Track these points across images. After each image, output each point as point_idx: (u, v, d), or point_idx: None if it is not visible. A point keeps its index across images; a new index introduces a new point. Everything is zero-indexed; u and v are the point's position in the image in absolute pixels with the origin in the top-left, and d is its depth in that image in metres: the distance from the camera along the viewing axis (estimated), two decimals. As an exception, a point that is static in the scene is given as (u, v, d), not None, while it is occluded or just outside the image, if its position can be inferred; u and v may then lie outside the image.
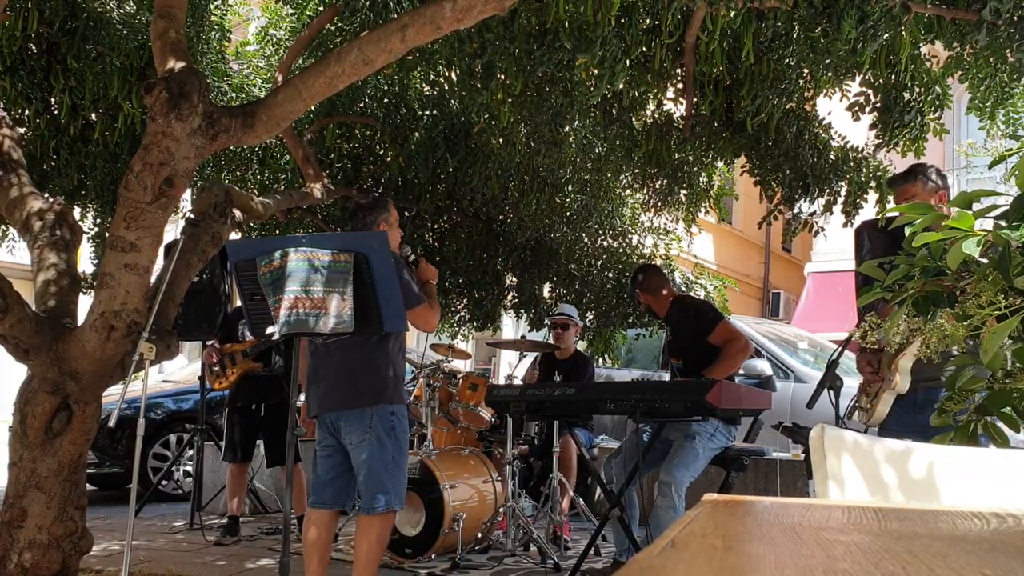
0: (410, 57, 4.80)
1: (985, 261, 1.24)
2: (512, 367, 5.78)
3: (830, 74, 4.54)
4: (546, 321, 6.73)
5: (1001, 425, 1.41)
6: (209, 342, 5.48)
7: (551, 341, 5.92)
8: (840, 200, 5.29)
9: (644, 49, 4.60)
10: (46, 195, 4.62)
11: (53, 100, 5.26)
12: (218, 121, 3.38)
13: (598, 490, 5.55)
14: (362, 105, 5.85)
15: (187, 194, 5.05)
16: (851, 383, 3.56)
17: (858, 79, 4.68)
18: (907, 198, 3.19)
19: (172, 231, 4.33)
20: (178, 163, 3.31)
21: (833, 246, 13.28)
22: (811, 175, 5.16)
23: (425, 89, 5.97)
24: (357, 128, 6.34)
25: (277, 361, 5.50)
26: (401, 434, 3.43)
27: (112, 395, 4.38)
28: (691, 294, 6.66)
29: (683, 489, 3.83)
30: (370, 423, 3.35)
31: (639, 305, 4.67)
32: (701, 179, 6.29)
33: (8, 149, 3.90)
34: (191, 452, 6.72)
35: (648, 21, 4.46)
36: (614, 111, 5.32)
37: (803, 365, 7.35)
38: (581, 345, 6.97)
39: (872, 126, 4.84)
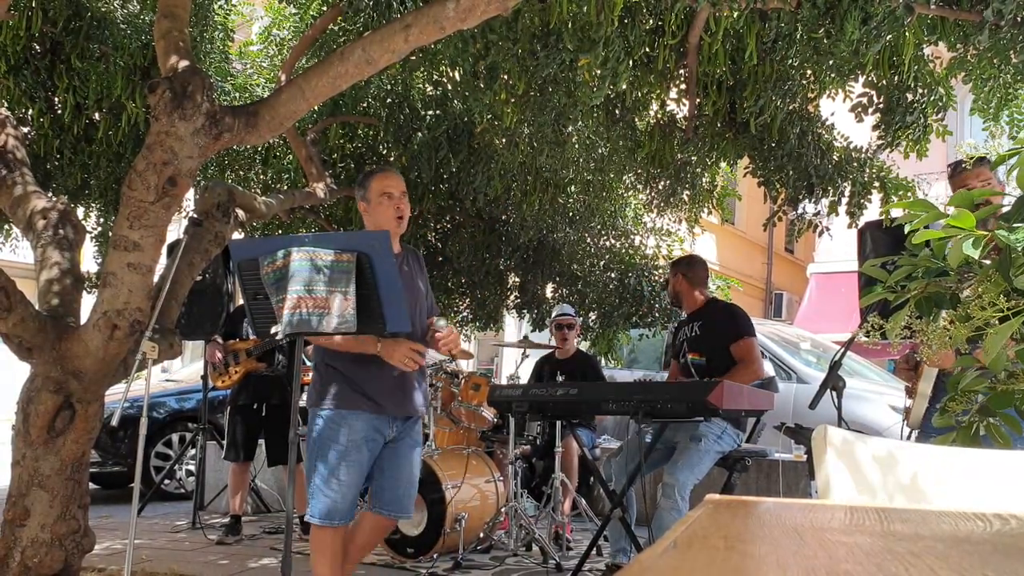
0: (413, 57, 4.81)
1: (987, 262, 1.24)
2: (517, 365, 5.77)
3: (833, 75, 4.54)
4: (547, 322, 6.73)
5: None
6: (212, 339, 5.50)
7: (554, 342, 5.92)
8: (844, 201, 5.28)
9: (647, 49, 4.59)
10: (49, 194, 4.62)
11: (57, 99, 5.27)
12: (221, 121, 3.38)
13: (599, 489, 5.54)
14: (365, 105, 5.85)
15: (190, 193, 5.06)
16: (853, 384, 3.57)
17: (861, 80, 4.67)
18: (984, 180, 3.16)
19: (175, 230, 4.33)
20: (181, 162, 3.31)
21: (836, 247, 13.26)
22: (814, 176, 5.15)
23: (428, 89, 5.98)
24: (360, 128, 6.35)
25: (280, 361, 5.50)
26: (324, 442, 3.07)
27: (115, 394, 4.39)
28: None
29: (687, 491, 3.82)
30: (310, 426, 3.18)
31: (670, 293, 4.57)
32: (704, 180, 6.29)
33: (12, 148, 3.91)
34: (193, 451, 6.73)
35: (651, 22, 4.46)
36: (617, 112, 5.32)
37: (805, 366, 7.35)
38: (584, 345, 6.98)
39: (875, 127, 4.83)
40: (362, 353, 3.10)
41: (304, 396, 6.58)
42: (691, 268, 4.51)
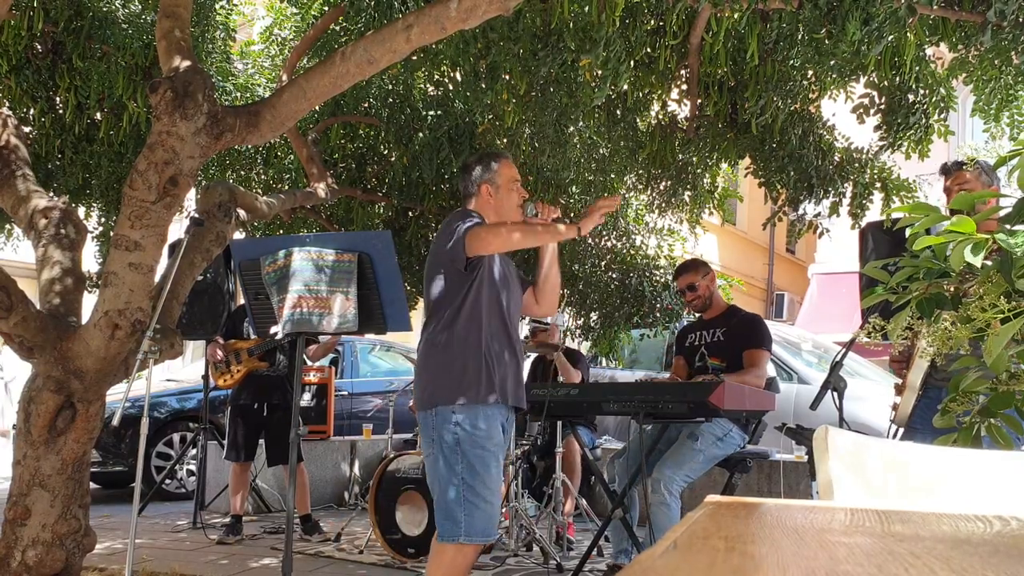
0: (415, 57, 4.81)
1: (989, 263, 1.24)
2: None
3: (835, 76, 4.53)
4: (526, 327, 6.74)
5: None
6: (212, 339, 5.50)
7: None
8: (845, 202, 5.28)
9: (648, 50, 4.60)
10: (51, 194, 4.63)
11: (58, 99, 5.28)
12: (223, 120, 3.38)
13: (600, 489, 5.54)
14: (366, 105, 5.85)
15: (191, 193, 5.07)
16: (854, 385, 3.56)
17: (863, 81, 4.67)
18: (959, 184, 3.20)
19: (177, 230, 4.33)
20: (183, 162, 3.31)
21: (837, 248, 13.26)
22: (815, 177, 5.15)
23: (429, 89, 5.98)
24: (361, 128, 6.35)
25: (281, 360, 5.51)
26: (469, 448, 2.66)
27: (116, 394, 4.39)
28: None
29: (674, 486, 3.81)
30: (431, 433, 2.72)
31: (702, 298, 4.37)
32: (705, 180, 6.29)
33: (13, 147, 3.92)
34: (194, 451, 6.74)
35: (652, 22, 4.47)
36: (618, 112, 5.32)
37: (807, 367, 7.34)
38: (584, 346, 6.98)
39: (877, 128, 4.83)
40: (493, 336, 2.72)
41: (304, 395, 6.55)
42: (710, 273, 4.43)
